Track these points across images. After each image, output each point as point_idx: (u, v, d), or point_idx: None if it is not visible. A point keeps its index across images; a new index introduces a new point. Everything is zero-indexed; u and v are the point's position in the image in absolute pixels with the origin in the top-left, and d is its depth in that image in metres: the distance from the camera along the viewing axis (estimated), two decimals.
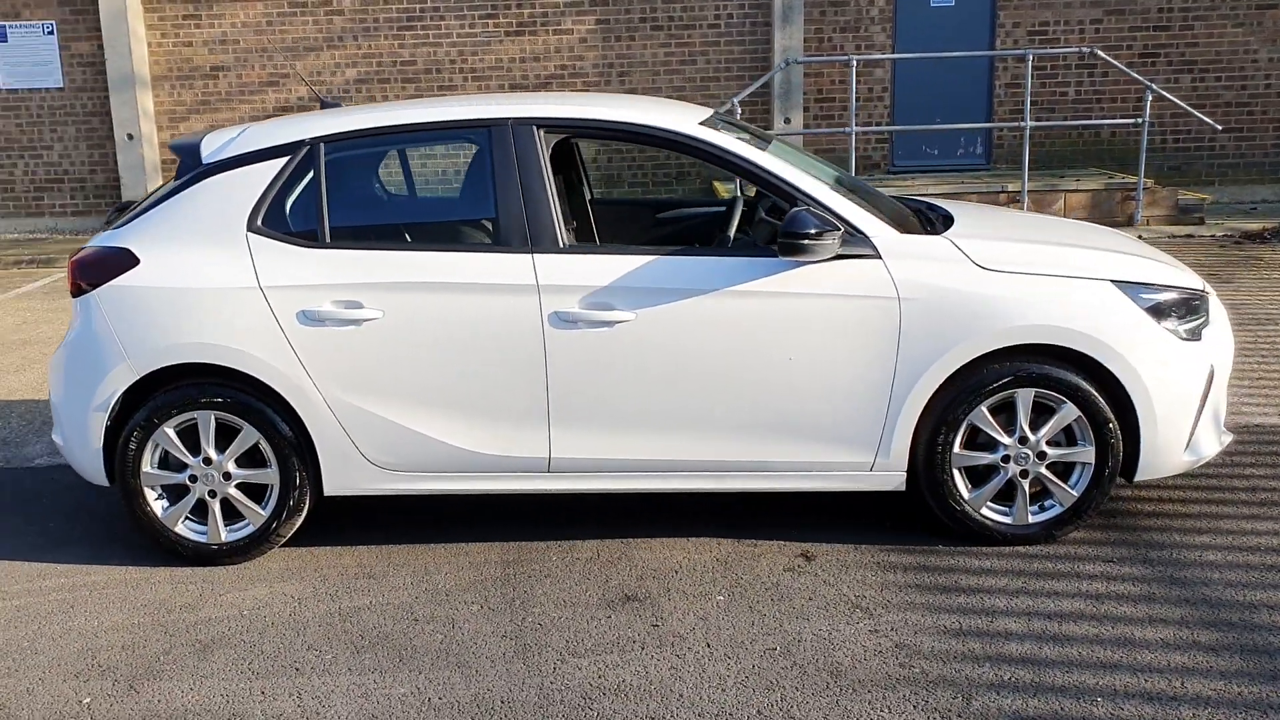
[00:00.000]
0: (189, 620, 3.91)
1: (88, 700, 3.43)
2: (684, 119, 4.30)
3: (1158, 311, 4.13)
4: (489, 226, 4.18)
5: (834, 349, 4.09)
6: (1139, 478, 4.21)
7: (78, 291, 4.27)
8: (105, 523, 4.75)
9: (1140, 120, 10.74)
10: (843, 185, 4.81)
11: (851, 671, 3.42)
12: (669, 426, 4.18)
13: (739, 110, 10.76)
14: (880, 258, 4.10)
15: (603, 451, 4.21)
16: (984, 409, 4.12)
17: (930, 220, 4.60)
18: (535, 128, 4.24)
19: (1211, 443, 4.33)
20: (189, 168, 4.35)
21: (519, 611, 3.87)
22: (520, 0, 12.22)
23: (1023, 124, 10.77)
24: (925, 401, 4.11)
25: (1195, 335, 4.20)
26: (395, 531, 4.57)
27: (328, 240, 4.21)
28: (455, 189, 4.41)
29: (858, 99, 12.41)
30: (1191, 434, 4.21)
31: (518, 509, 4.74)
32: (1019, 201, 10.86)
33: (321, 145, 4.28)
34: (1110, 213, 10.92)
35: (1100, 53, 10.70)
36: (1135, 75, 10.76)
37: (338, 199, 4.27)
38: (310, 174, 4.26)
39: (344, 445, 4.22)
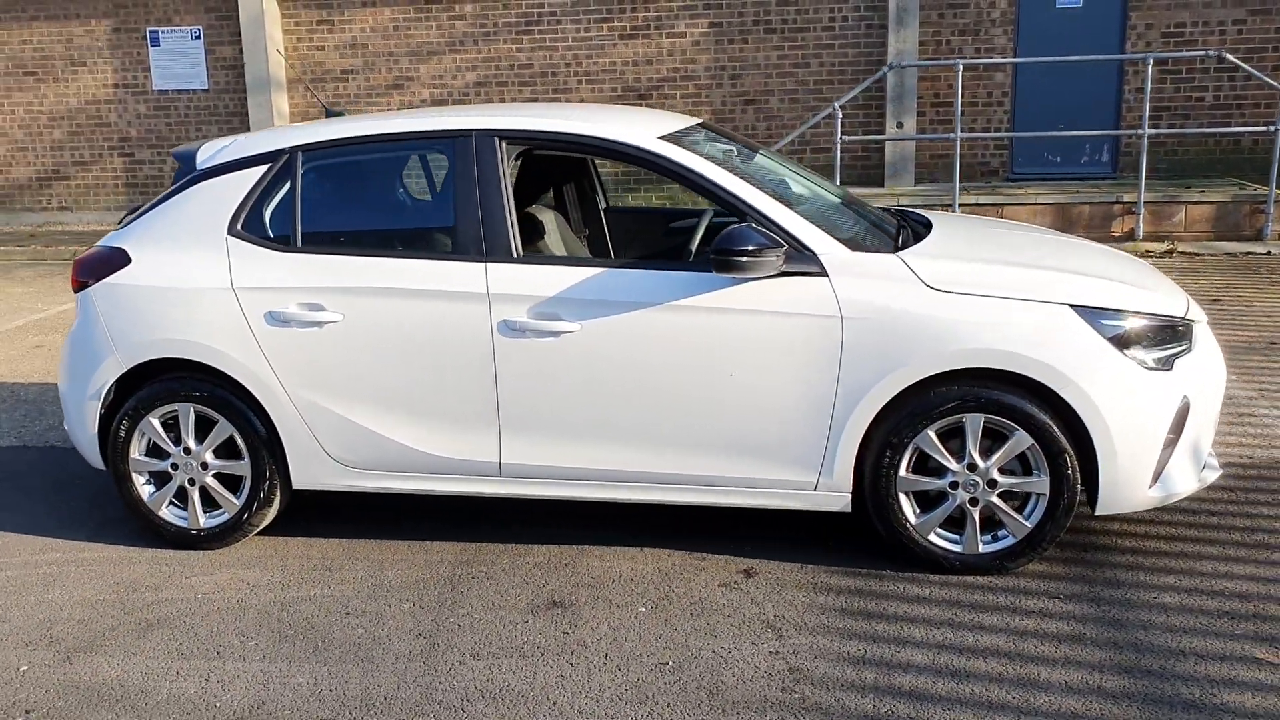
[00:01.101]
0: (147, 600, 4.17)
1: (25, 668, 3.71)
2: (643, 132, 4.32)
3: (1121, 338, 3.94)
4: (449, 235, 4.30)
5: (775, 366, 4.05)
6: (1099, 512, 4.02)
7: (79, 287, 4.59)
8: (116, 505, 5.08)
9: (1275, 127, 10.11)
10: (819, 200, 4.76)
11: (731, 692, 3.40)
12: (615, 437, 4.21)
13: (840, 114, 10.61)
14: (827, 275, 4.04)
15: (551, 459, 4.28)
16: (931, 433, 4.01)
17: (906, 235, 4.49)
18: (497, 139, 4.33)
19: (1187, 479, 4.10)
20: (184, 173, 4.61)
21: (445, 611, 3.98)
22: (635, 4, 12.35)
23: (1141, 131, 10.28)
24: (868, 423, 4.03)
25: (1166, 364, 3.98)
26: (368, 526, 4.74)
27: (299, 245, 4.41)
28: (427, 198, 4.54)
29: (976, 103, 12.08)
30: (1159, 468, 4.00)
31: (488, 510, 4.85)
32: (1135, 213, 10.38)
33: (299, 154, 4.49)
34: (1236, 226, 10.33)
35: (1229, 56, 10.12)
36: (1266, 79, 10.13)
37: (311, 205, 4.46)
38: (288, 181, 4.46)
39: (308, 442, 4.41)
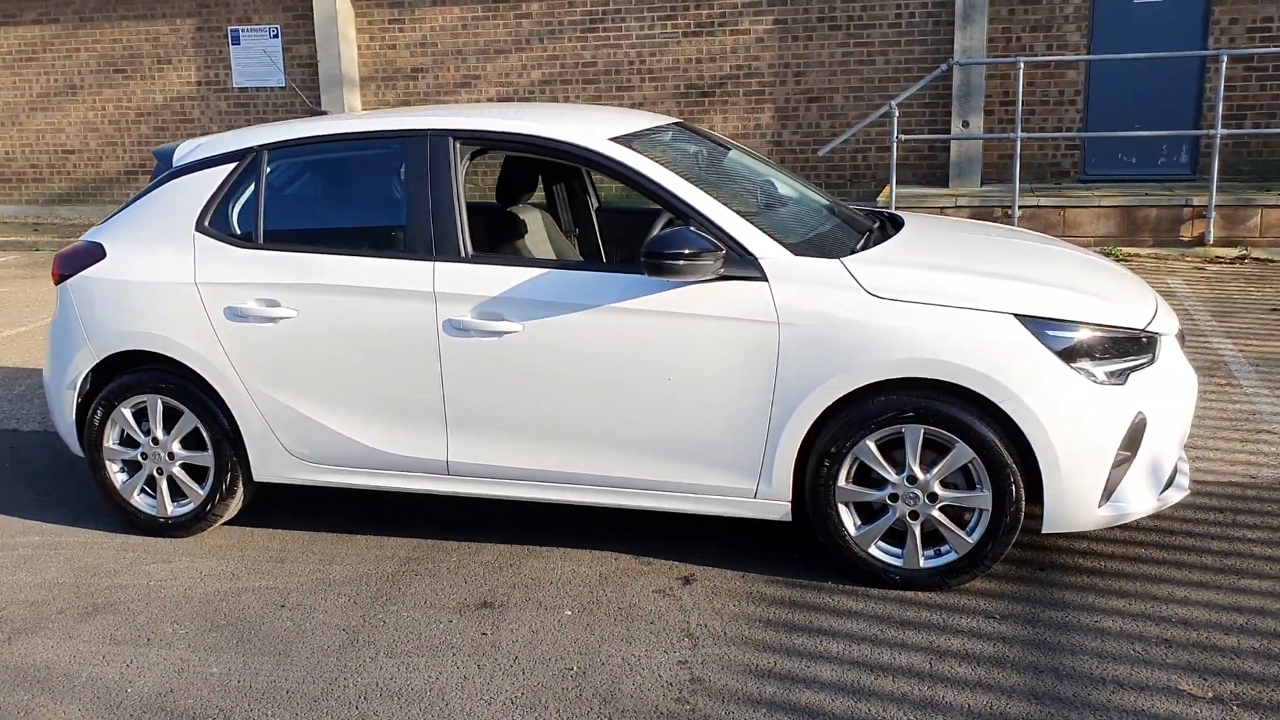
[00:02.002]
0: (102, 585, 4.29)
1: None
2: (593, 133, 4.29)
3: (1070, 350, 3.78)
4: (401, 233, 4.33)
5: (713, 371, 3.99)
6: (1046, 530, 3.87)
7: (59, 280, 4.75)
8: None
9: None
10: (793, 202, 4.68)
11: (625, 700, 3.36)
12: (558, 439, 4.20)
13: (896, 113, 10.40)
14: (766, 280, 3.96)
15: (496, 459, 4.28)
16: (870, 443, 3.91)
17: (870, 240, 4.38)
18: (451, 139, 4.35)
19: (1144, 499, 3.92)
20: (160, 171, 4.74)
21: (377, 608, 4.02)
22: (698, 1, 12.28)
23: (1213, 131, 9.85)
24: (805, 431, 3.95)
25: (1119, 378, 3.81)
26: (334, 520, 4.81)
27: (261, 241, 4.49)
28: (385, 197, 4.58)
29: (1047, 102, 11.72)
30: (1110, 487, 3.83)
31: (450, 508, 4.87)
32: (1205, 217, 9.96)
33: (265, 153, 4.57)
34: None
35: None
36: None
37: (274, 203, 4.53)
38: (253, 179, 4.55)
39: (267, 436, 4.49)
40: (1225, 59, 9.84)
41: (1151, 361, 3.93)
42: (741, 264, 3.98)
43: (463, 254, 4.26)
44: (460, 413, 4.26)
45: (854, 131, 10.80)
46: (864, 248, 4.23)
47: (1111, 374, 3.82)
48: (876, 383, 3.87)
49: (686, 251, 3.87)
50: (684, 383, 4.02)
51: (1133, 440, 3.84)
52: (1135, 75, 11.52)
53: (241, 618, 3.99)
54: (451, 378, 4.24)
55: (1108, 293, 4.06)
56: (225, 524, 4.79)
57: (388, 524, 4.74)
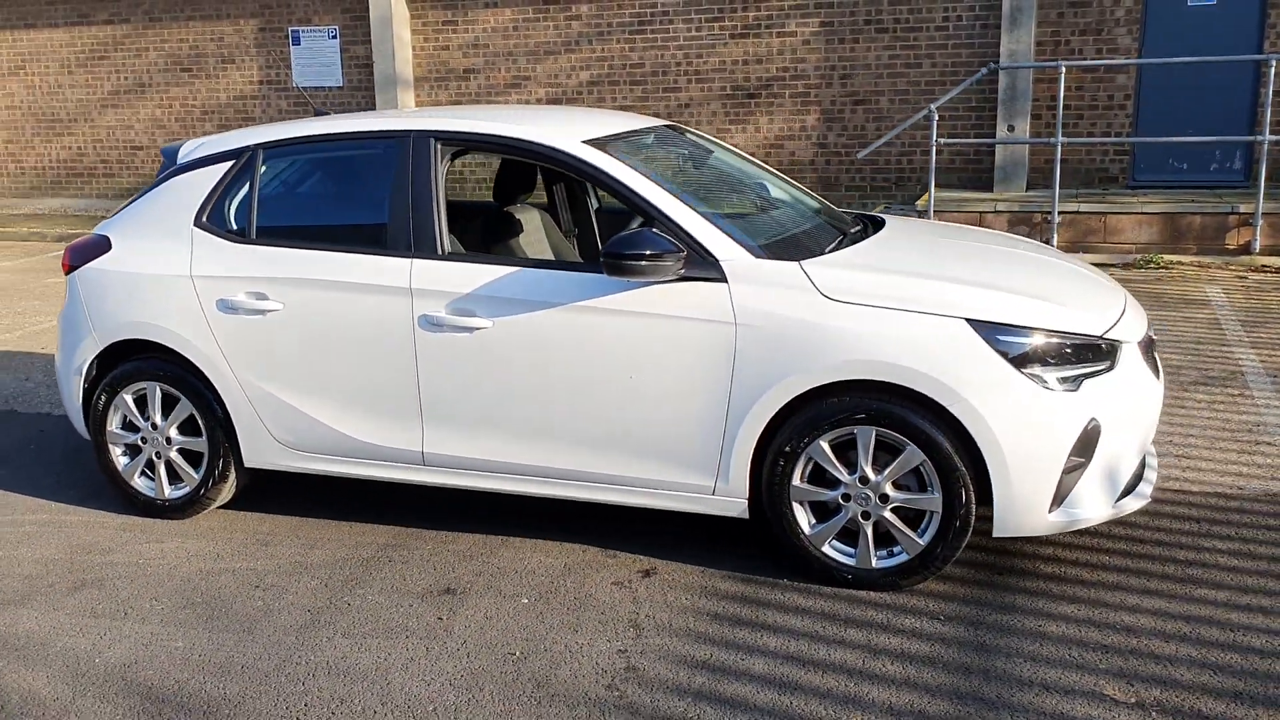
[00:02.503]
0: (95, 561, 4.51)
1: None
2: (567, 135, 4.40)
3: (1021, 356, 3.80)
4: (384, 230, 4.48)
5: (673, 370, 4.08)
6: (996, 534, 3.90)
7: (68, 270, 4.99)
8: None
9: None
10: (776, 204, 4.75)
11: (556, 685, 3.47)
12: (526, 433, 4.32)
13: (936, 116, 10.36)
14: (726, 281, 4.04)
15: (468, 450, 4.41)
16: (824, 444, 3.97)
17: (843, 242, 4.44)
18: (433, 140, 4.49)
19: (1098, 505, 3.92)
20: (165, 168, 4.95)
21: (345, 591, 4.17)
22: (746, 3, 12.33)
23: (1261, 137, 9.67)
24: (760, 430, 4.02)
25: (1072, 385, 3.82)
26: (321, 506, 4.98)
27: (253, 237, 4.67)
28: (371, 195, 4.72)
29: (1096, 106, 11.57)
30: (1061, 492, 3.85)
31: (434, 496, 5.01)
32: (1252, 225, 9.78)
33: (260, 151, 4.76)
34: None
35: None
36: None
37: (267, 199, 4.72)
38: (248, 177, 4.74)
39: (255, 423, 4.67)
40: (1275, 63, 9.64)
41: (1110, 369, 3.93)
42: (703, 265, 4.06)
43: (439, 251, 4.39)
44: (434, 405, 4.40)
45: (893, 134, 10.77)
46: (834, 250, 4.29)
47: (1064, 380, 3.83)
48: (830, 384, 3.93)
49: (646, 252, 3.96)
50: (645, 381, 4.11)
51: (1086, 447, 3.85)
52: (1188, 79, 11.32)
53: (216, 596, 4.17)
54: (426, 371, 4.38)
55: (1068, 299, 4.06)
56: (221, 508, 4.98)
57: (372, 511, 4.90)
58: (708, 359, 4.03)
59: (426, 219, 4.42)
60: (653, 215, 4.17)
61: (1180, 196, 10.58)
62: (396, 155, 4.50)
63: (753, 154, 12.63)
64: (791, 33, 12.27)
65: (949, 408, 3.80)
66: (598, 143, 4.42)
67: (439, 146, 4.49)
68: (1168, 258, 9.93)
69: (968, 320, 3.84)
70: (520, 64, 13.21)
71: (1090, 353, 3.91)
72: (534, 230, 5.36)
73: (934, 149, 10.45)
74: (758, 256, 4.07)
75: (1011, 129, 11.56)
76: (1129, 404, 3.95)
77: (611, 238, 4.03)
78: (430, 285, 4.34)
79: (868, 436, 3.92)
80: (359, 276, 4.43)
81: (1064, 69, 10.10)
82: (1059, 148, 10.13)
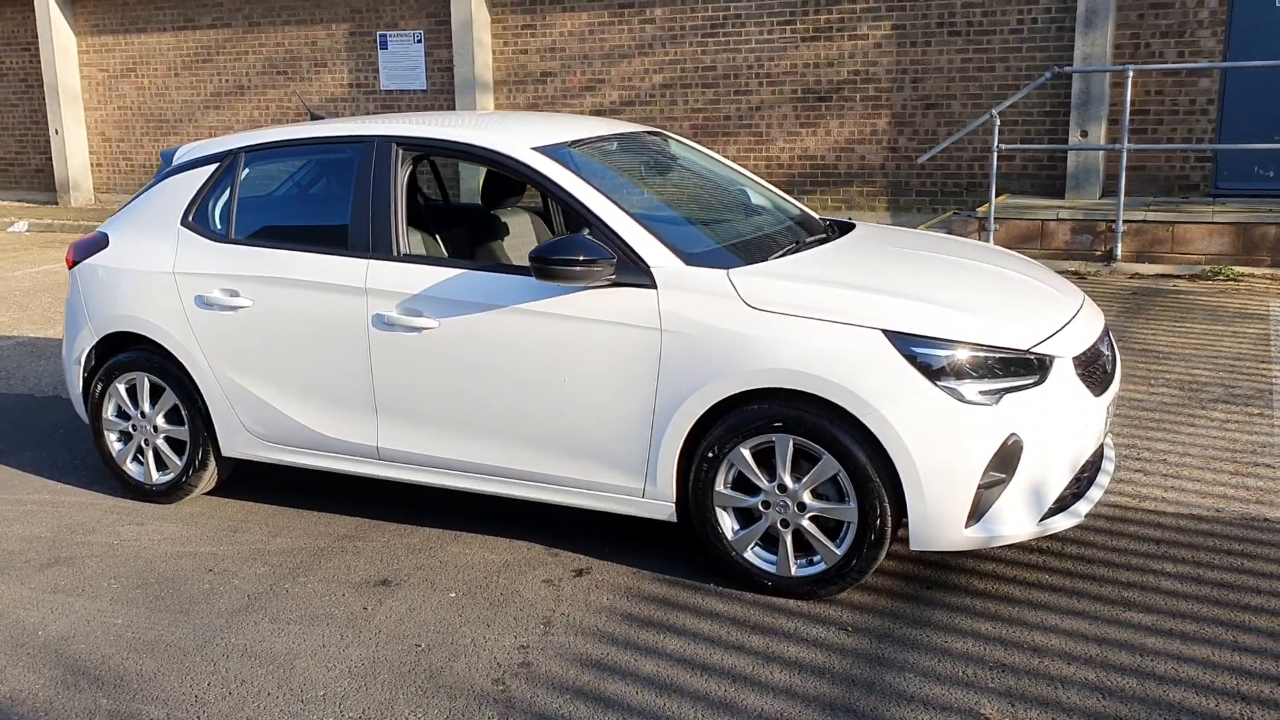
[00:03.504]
0: (76, 540, 4.78)
1: None
2: (516, 141, 4.49)
3: (936, 368, 3.77)
4: (346, 231, 4.64)
5: (604, 374, 4.14)
6: (913, 547, 3.87)
7: (71, 265, 5.29)
8: None
9: None
10: (744, 209, 4.79)
11: (447, 677, 3.57)
12: (471, 431, 4.43)
13: (997, 121, 10.16)
14: (656, 288, 4.09)
15: (419, 447, 4.55)
16: (745, 450, 3.99)
17: (792, 250, 4.45)
18: (395, 145, 4.64)
19: (1020, 522, 3.86)
20: (162, 169, 5.22)
21: (289, 578, 4.35)
22: (818, 6, 12.25)
23: None
24: (684, 436, 4.06)
25: (991, 399, 3.77)
26: (301, 497, 5.17)
27: (231, 236, 4.89)
28: (339, 196, 4.89)
29: (1177, 111, 11.18)
30: (979, 507, 3.79)
31: (409, 490, 5.16)
32: None
33: (242, 154, 4.97)
34: None
35: None
36: None
37: (245, 200, 4.93)
38: (230, 179, 4.96)
39: (230, 414, 4.89)
40: None
41: (1038, 384, 3.86)
42: (634, 271, 4.12)
43: (395, 253, 4.54)
44: (387, 401, 4.55)
45: (955, 139, 10.59)
46: (777, 258, 4.30)
47: (984, 394, 3.77)
48: (752, 391, 3.95)
49: (573, 258, 4.03)
50: (578, 383, 4.19)
51: (1006, 462, 3.78)
52: (1276, 84, 10.85)
53: (170, 578, 4.38)
54: (379, 368, 4.53)
55: (1000, 312, 3.99)
56: (208, 494, 5.22)
57: (342, 503, 5.07)
58: (635, 364, 4.08)
59: (385, 221, 4.57)
60: (590, 221, 4.24)
61: (1259, 206, 10.16)
62: (361, 160, 4.66)
63: (822, 158, 12.56)
64: (863, 35, 12.15)
65: (862, 418, 3.78)
66: (547, 149, 4.51)
67: (400, 151, 4.64)
68: (1238, 270, 9.55)
69: (884, 331, 3.81)
70: (595, 67, 13.36)
71: (1015, 367, 3.84)
72: (522, 233, 5.48)
73: (995, 154, 10.24)
74: (689, 264, 4.11)
75: (1084, 134, 11.25)
76: (1058, 420, 3.87)
77: (542, 243, 4.11)
78: (383, 286, 4.49)
79: (785, 445, 3.92)
80: (320, 276, 4.60)
81: (1131, 73, 9.80)
82: (1124, 154, 9.83)
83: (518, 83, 13.76)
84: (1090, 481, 4.24)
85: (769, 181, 12.80)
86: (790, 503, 3.96)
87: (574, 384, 4.19)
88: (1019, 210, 10.46)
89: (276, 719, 3.38)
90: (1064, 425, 3.89)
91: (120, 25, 16.01)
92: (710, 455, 4.02)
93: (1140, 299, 8.80)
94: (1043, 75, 10.27)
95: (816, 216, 5.24)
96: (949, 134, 11.90)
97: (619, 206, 4.28)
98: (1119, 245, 9.92)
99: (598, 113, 13.41)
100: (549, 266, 4.04)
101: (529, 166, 4.39)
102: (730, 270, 4.08)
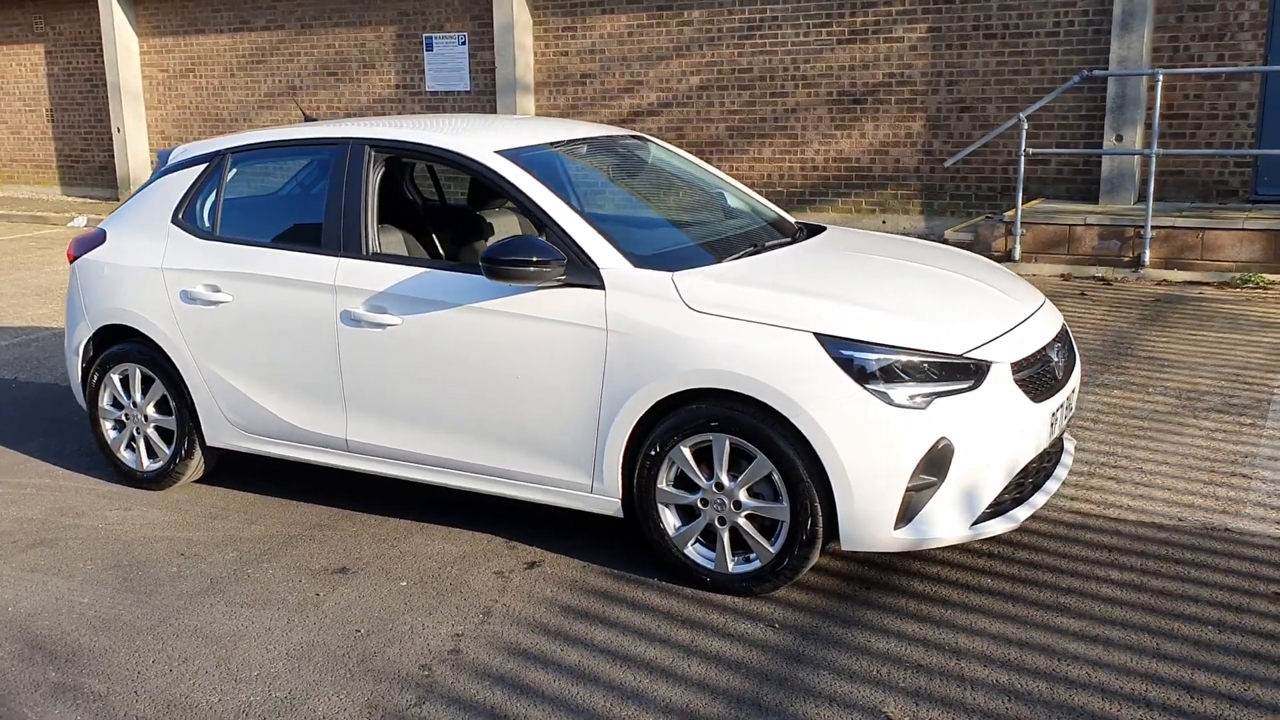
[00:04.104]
0: (64, 523, 5.00)
1: None
2: (479, 144, 4.62)
3: (866, 371, 3.82)
4: (320, 230, 4.80)
5: (554, 372, 4.25)
6: (845, 547, 3.92)
7: (71, 260, 5.53)
8: None
9: None
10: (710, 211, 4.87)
11: (377, 661, 3.70)
12: (431, 425, 4.57)
13: (1025, 125, 10.08)
14: (604, 289, 4.19)
15: (384, 440, 4.70)
16: (685, 449, 4.07)
17: (751, 253, 4.53)
18: (367, 147, 4.79)
19: (951, 526, 3.90)
20: (158, 169, 5.43)
21: (254, 563, 4.52)
22: (854, 8, 12.24)
23: None
24: (628, 434, 4.15)
25: (920, 403, 3.81)
26: (285, 486, 5.34)
27: (216, 234, 5.08)
28: (316, 196, 5.06)
29: (1216, 116, 11.00)
30: (908, 510, 3.84)
31: (387, 482, 5.30)
32: None
33: (229, 155, 5.16)
34: None
35: None
36: None
37: (230, 199, 5.12)
38: (216, 178, 5.15)
39: (212, 405, 5.08)
40: None
41: (973, 388, 3.89)
42: (585, 273, 4.22)
43: (364, 251, 4.69)
44: (355, 395, 4.70)
45: (982, 143, 10.54)
46: (732, 261, 4.37)
47: (913, 397, 3.81)
48: (692, 391, 4.03)
49: (523, 258, 4.14)
50: (530, 381, 4.30)
51: (936, 465, 3.82)
52: None
53: (142, 561, 4.58)
54: (347, 363, 4.68)
55: (938, 317, 4.03)
56: (197, 481, 5.42)
57: (323, 493, 5.23)
58: (583, 363, 4.18)
59: (355, 220, 4.72)
60: (544, 222, 4.35)
61: None
62: (336, 161, 4.82)
63: (857, 160, 12.54)
64: (898, 38, 12.12)
65: (792, 419, 3.84)
66: (510, 152, 4.63)
67: (372, 153, 4.79)
68: (1269, 277, 9.38)
69: (815, 334, 3.87)
70: (634, 69, 13.47)
71: (948, 371, 3.88)
72: (506, 233, 5.61)
73: (1022, 159, 10.17)
74: (637, 266, 4.20)
75: (1119, 138, 11.10)
76: (992, 426, 3.89)
77: (494, 242, 4.23)
78: (352, 283, 4.64)
79: (722, 444, 4.00)
80: (294, 273, 4.77)
81: (1161, 77, 9.68)
82: (1153, 159, 9.70)
83: (558, 84, 13.92)
84: (1036, 486, 4.26)
85: (804, 184, 12.82)
86: (727, 501, 4.03)
87: (526, 382, 4.30)
88: (1047, 215, 10.37)
89: (207, 695, 3.54)
90: (999, 430, 3.91)
91: (179, 26, 16.47)
92: (653, 453, 4.11)
93: (1161, 306, 8.69)
94: (1071, 79, 10.17)
95: (791, 220, 5.31)
96: (984, 138, 11.81)
97: (572, 209, 4.38)
98: (1147, 251, 9.79)
99: (635, 114, 13.53)
100: (498, 266, 4.15)
101: (490, 169, 4.52)
102: (675, 273, 4.16)
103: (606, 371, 4.14)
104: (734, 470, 4.02)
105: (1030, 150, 10.34)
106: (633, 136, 5.49)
